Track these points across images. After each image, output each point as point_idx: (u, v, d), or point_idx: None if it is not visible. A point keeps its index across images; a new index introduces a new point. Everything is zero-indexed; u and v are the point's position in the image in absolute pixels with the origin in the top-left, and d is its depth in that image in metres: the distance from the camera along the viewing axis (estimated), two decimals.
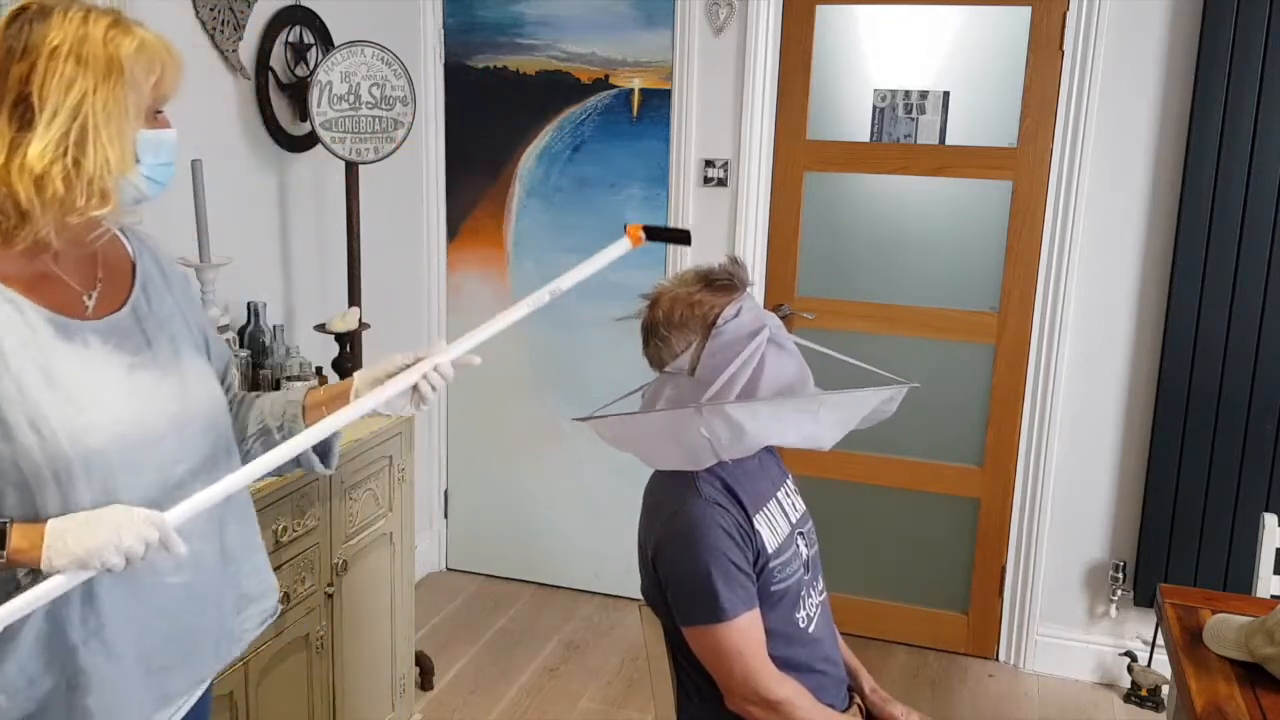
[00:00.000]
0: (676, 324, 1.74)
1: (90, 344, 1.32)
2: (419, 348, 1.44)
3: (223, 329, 2.39)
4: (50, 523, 1.21)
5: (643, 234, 1.49)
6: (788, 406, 1.70)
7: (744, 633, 1.69)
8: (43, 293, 1.30)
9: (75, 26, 1.26)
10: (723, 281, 1.75)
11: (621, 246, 1.47)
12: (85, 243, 1.33)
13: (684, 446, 1.69)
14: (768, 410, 1.67)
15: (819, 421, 1.70)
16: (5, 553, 1.20)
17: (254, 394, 1.62)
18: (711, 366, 1.70)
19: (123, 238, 1.46)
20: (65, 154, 1.24)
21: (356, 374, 1.50)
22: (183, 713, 1.47)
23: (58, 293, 1.32)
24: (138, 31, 1.31)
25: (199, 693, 1.50)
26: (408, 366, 1.42)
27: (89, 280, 1.37)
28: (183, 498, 1.32)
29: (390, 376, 1.43)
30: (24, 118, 1.24)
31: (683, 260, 3.35)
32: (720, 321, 1.71)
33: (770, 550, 1.77)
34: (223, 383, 1.56)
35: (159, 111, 1.35)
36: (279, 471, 1.45)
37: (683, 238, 1.58)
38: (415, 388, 1.41)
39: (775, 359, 1.72)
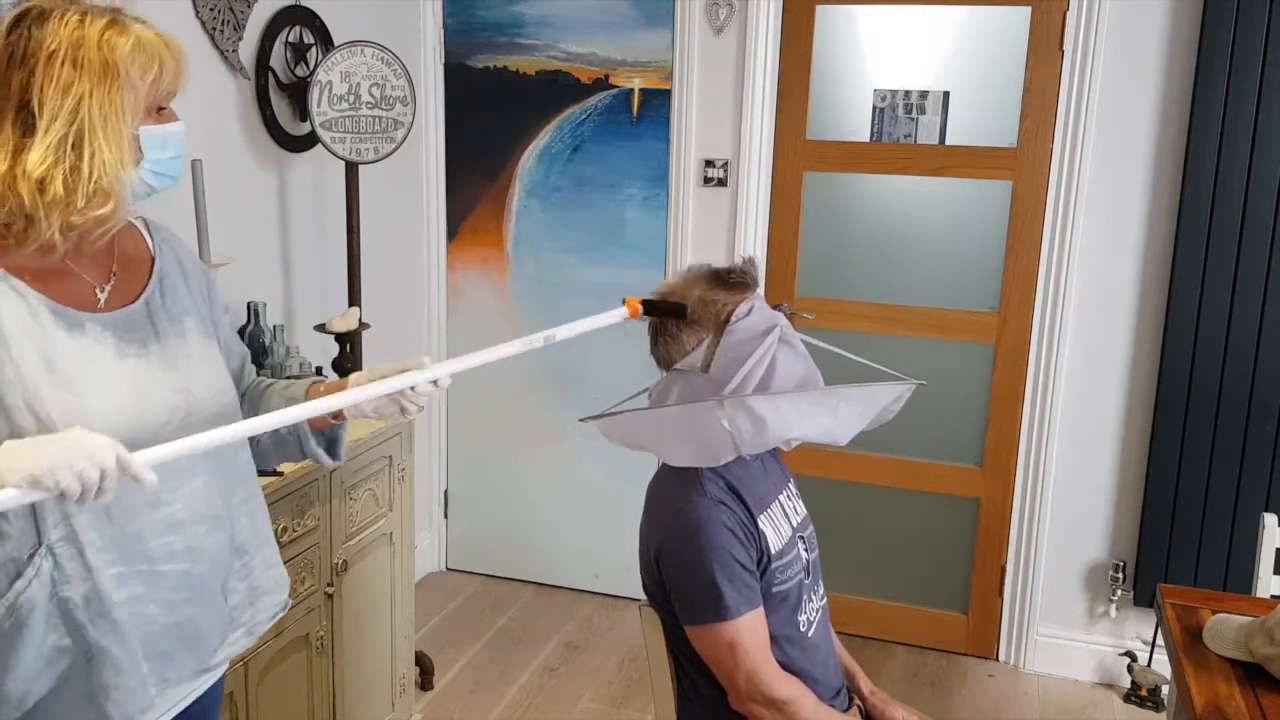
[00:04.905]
0: (688, 321, 1.73)
1: (95, 335, 1.34)
2: (413, 356, 1.49)
3: None
4: (6, 443, 1.19)
5: (640, 307, 1.62)
6: (808, 400, 1.70)
7: (748, 631, 1.69)
8: (54, 285, 1.33)
9: (71, 30, 1.28)
10: (736, 279, 1.75)
11: (618, 314, 1.59)
12: (93, 239, 1.36)
13: (702, 441, 1.68)
14: (789, 404, 1.68)
15: (838, 416, 1.70)
16: None
17: (267, 380, 1.66)
18: (726, 364, 1.70)
19: (145, 234, 1.50)
20: (64, 157, 1.27)
21: (353, 375, 1.56)
22: (189, 700, 1.49)
23: (69, 285, 1.35)
24: (134, 30, 1.32)
25: (208, 682, 1.52)
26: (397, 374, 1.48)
27: (104, 274, 1.40)
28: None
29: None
30: (27, 124, 1.27)
31: (683, 260, 3.35)
32: (734, 319, 1.71)
33: (774, 551, 1.77)
34: (240, 382, 1.62)
35: (162, 107, 1.38)
36: (287, 459, 1.60)
37: (678, 311, 1.69)
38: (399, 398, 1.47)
39: (786, 358, 1.72)
